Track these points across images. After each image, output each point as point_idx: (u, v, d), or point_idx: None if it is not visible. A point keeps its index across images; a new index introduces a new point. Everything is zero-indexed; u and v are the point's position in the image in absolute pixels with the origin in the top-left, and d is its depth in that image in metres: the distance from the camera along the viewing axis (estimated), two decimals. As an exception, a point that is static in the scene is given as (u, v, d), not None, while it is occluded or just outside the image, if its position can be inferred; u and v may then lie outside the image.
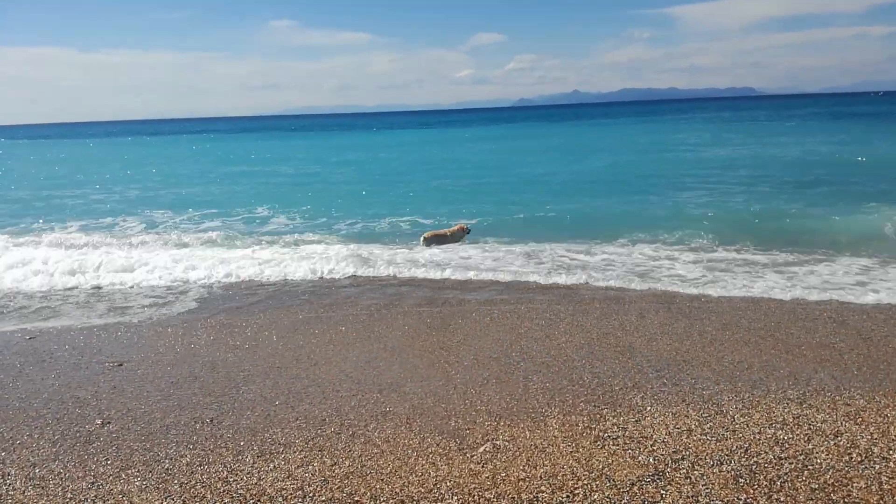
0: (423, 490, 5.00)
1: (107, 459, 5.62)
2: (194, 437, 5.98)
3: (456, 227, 15.67)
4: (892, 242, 14.05)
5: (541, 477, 5.09)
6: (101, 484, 5.24)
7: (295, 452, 5.62)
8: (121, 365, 7.94)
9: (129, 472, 5.41)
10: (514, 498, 4.84)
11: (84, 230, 19.03)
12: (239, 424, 6.23)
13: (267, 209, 22.18)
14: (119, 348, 8.57)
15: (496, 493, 4.91)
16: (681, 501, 4.69)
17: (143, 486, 5.19)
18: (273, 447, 5.74)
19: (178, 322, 9.79)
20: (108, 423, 6.35)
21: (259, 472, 5.33)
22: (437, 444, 5.70)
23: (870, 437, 5.50)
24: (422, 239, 15.22)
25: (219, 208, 23.06)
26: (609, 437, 5.70)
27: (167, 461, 5.56)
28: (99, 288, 12.14)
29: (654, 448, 5.45)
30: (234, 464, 5.48)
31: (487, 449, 5.59)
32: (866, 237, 14.41)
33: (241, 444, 5.83)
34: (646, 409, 6.26)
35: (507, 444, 5.66)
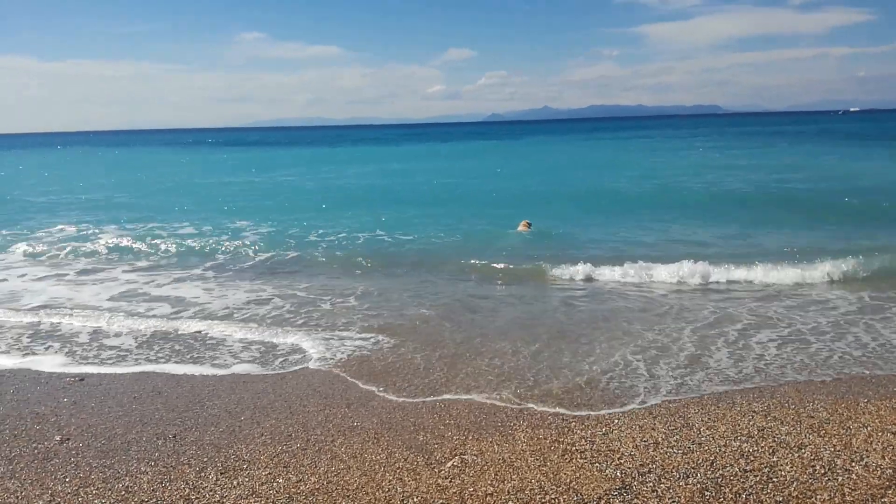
0: (389, 506, 4.95)
1: (65, 477, 5.47)
2: (156, 454, 5.86)
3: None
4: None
5: (508, 491, 5.06)
6: (59, 502, 5.10)
7: (259, 469, 5.53)
8: (82, 380, 7.76)
9: (88, 490, 5.27)
10: (481, 513, 4.81)
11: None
12: (202, 440, 6.11)
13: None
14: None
15: (463, 508, 4.88)
16: (647, 515, 4.70)
17: (102, 505, 5.06)
18: (237, 463, 5.64)
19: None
20: (68, 439, 6.19)
21: (222, 489, 5.23)
22: (405, 459, 5.65)
23: (833, 450, 5.57)
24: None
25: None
26: (577, 450, 5.70)
27: (127, 478, 5.43)
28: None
29: (622, 461, 5.46)
30: (197, 481, 5.36)
31: (455, 464, 5.55)
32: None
33: (205, 460, 5.71)
34: (613, 421, 6.28)
35: (475, 458, 5.63)
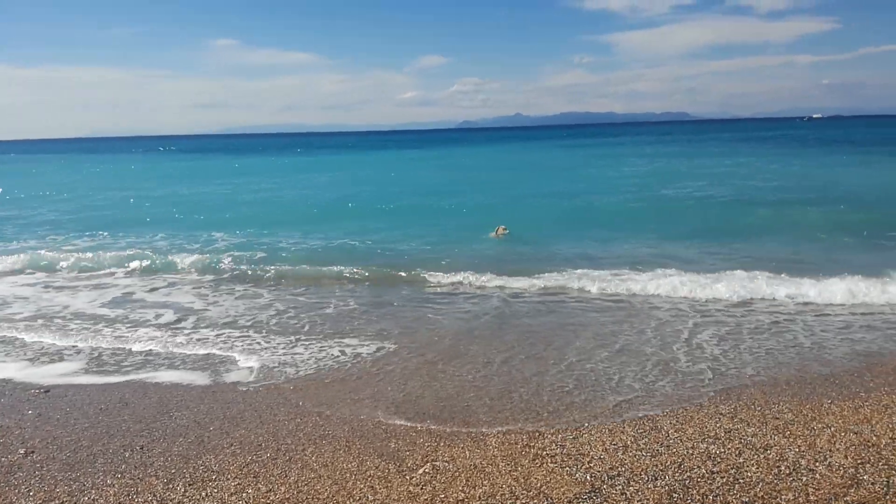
0: (360, 514, 4.93)
1: (29, 491, 5.37)
2: (123, 466, 5.77)
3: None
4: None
5: (479, 497, 5.07)
6: (22, 517, 5.01)
7: (229, 479, 5.47)
8: (47, 391, 7.63)
9: (54, 503, 5.18)
10: (452, 519, 4.81)
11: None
12: (170, 451, 6.04)
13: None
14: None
15: (434, 515, 4.88)
16: (616, 518, 4.74)
17: (67, 519, 4.98)
18: (206, 474, 5.57)
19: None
20: (32, 452, 6.07)
21: (190, 500, 5.16)
22: (377, 467, 5.64)
23: (797, 450, 5.67)
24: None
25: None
26: (548, 454, 5.73)
27: (93, 491, 5.34)
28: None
29: (591, 465, 5.50)
30: (165, 493, 5.29)
31: (427, 470, 5.55)
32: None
33: (172, 471, 5.64)
34: (583, 425, 6.33)
35: (446, 464, 5.63)
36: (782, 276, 12.00)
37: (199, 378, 7.99)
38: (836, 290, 10.92)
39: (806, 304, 10.67)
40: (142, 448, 6.12)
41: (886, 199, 22.86)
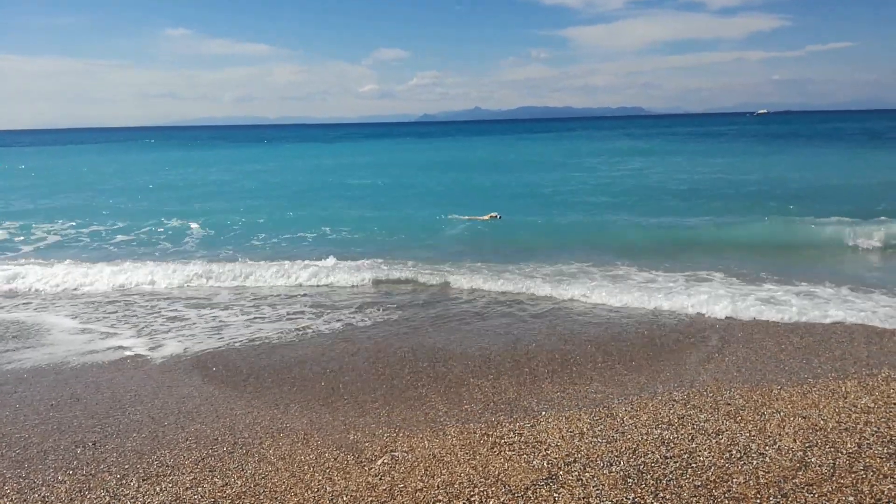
0: (318, 506, 4.91)
1: (-25, 490, 5.23)
2: (74, 462, 5.65)
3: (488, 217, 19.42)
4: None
5: (438, 486, 5.09)
6: (-32, 517, 4.87)
7: (184, 474, 5.40)
8: None
9: (2, 501, 5.05)
10: (410, 509, 4.82)
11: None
12: (124, 447, 5.93)
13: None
14: (-7, 371, 8.02)
15: (393, 504, 4.89)
16: (572, 503, 4.80)
17: (16, 517, 4.86)
18: (160, 469, 5.49)
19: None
20: (-22, 450, 5.91)
21: (144, 496, 5.08)
22: (335, 459, 5.62)
23: (748, 435, 5.81)
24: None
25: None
26: (505, 443, 5.78)
27: (44, 488, 5.22)
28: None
29: (548, 452, 5.56)
30: (118, 489, 5.20)
31: (386, 461, 5.55)
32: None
33: (126, 467, 5.54)
34: (540, 413, 6.40)
35: (405, 454, 5.64)
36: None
37: (153, 373, 7.86)
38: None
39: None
40: (94, 444, 6.00)
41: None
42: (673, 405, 6.51)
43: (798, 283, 11.32)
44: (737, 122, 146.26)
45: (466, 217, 19.55)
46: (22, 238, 18.49)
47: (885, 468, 5.12)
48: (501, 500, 4.87)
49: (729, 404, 6.50)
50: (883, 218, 16.75)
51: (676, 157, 44.29)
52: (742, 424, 6.03)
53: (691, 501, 4.78)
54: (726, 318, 9.60)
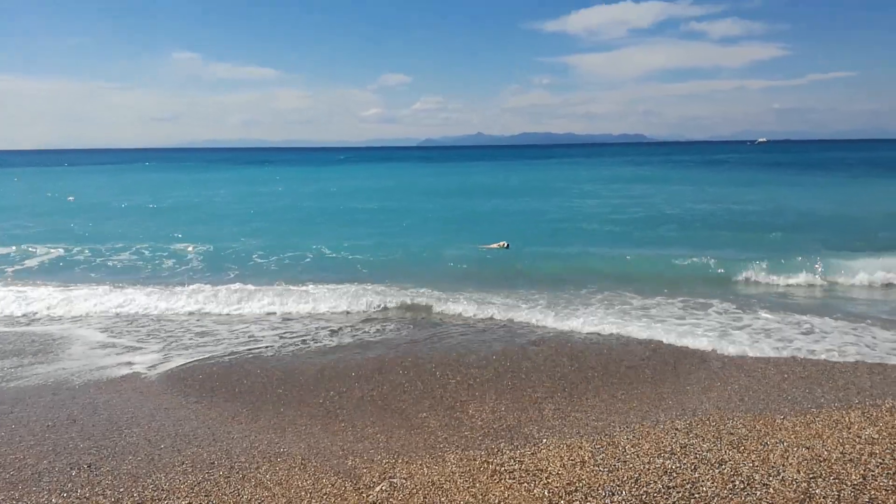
0: (314, 533, 4.84)
1: (-33, 512, 5.16)
2: (69, 485, 5.58)
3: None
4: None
5: (436, 514, 5.02)
6: (-41, 540, 4.80)
7: (179, 499, 5.32)
8: None
9: (-7, 525, 4.99)
10: (408, 537, 4.75)
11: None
12: (119, 470, 5.85)
13: None
14: (-10, 391, 7.96)
15: (390, 532, 4.81)
16: (573, 534, 4.73)
17: (7, 541, 4.79)
18: (155, 493, 5.42)
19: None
20: (-28, 472, 5.84)
21: (139, 520, 5.02)
22: (332, 485, 5.54)
23: (751, 465, 5.73)
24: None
25: None
26: (506, 470, 5.70)
27: (37, 512, 5.16)
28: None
29: (549, 480, 5.49)
30: (112, 512, 5.13)
31: (384, 488, 5.47)
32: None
33: (121, 490, 5.47)
34: (542, 441, 6.32)
35: (404, 481, 5.57)
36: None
37: (150, 395, 7.80)
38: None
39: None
40: (89, 466, 5.93)
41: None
42: (675, 434, 6.43)
43: (800, 315, 11.27)
44: (738, 150, 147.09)
45: (482, 246, 19.58)
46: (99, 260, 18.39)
47: (891, 500, 5.05)
48: (501, 529, 4.80)
49: (732, 433, 6.43)
50: (886, 251, 16.70)
51: (679, 185, 44.41)
52: (745, 454, 5.95)
53: (694, 533, 4.71)
54: (727, 347, 9.52)
